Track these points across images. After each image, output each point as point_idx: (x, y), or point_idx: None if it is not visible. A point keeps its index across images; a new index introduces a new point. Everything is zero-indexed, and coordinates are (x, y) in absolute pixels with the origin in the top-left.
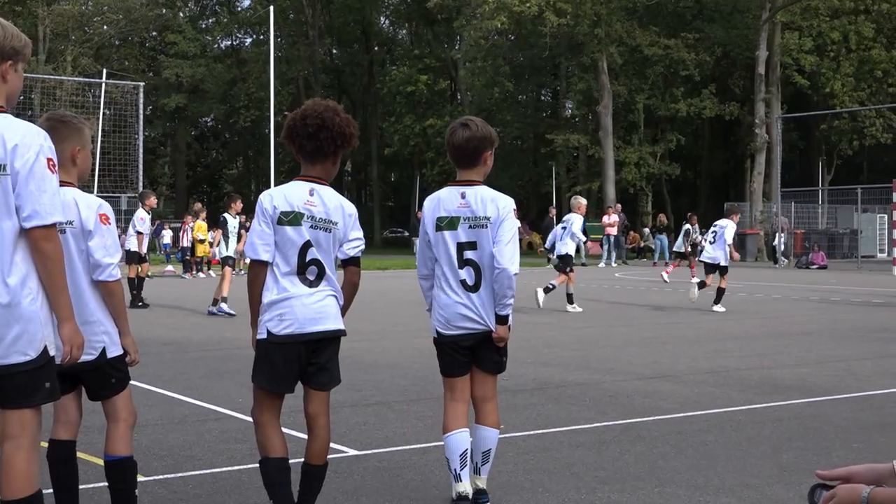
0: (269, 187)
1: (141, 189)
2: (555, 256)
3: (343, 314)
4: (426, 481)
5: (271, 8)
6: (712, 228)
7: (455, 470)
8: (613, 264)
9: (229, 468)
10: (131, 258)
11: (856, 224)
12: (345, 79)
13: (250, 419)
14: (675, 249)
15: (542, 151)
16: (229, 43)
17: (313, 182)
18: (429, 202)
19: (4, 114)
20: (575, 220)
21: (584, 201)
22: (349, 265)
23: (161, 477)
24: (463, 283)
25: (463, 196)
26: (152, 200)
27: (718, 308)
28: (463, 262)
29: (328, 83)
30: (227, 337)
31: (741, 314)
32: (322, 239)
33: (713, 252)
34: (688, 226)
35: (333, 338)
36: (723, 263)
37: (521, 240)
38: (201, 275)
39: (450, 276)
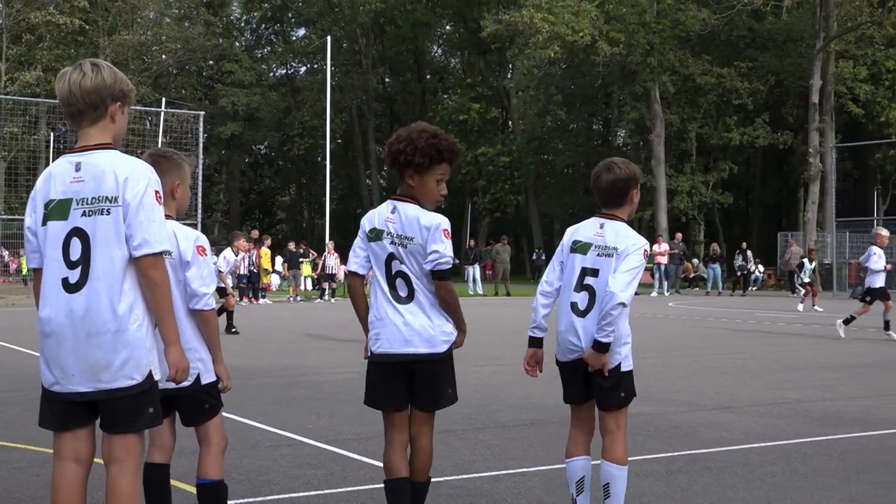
0: (322, 214)
1: (234, 231)
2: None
3: (459, 329)
4: None
5: (328, 38)
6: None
7: (571, 495)
8: (666, 293)
9: (306, 493)
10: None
11: None
12: (397, 107)
13: (322, 445)
14: (804, 281)
15: None
16: (284, 72)
17: (398, 200)
18: (569, 230)
19: (113, 150)
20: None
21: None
22: (435, 279)
23: (241, 501)
24: (573, 305)
25: (601, 227)
26: (241, 243)
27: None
28: (581, 287)
29: (381, 111)
30: (291, 364)
31: (799, 345)
32: (402, 254)
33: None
34: (805, 260)
35: (429, 360)
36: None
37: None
38: (266, 301)
39: (564, 298)
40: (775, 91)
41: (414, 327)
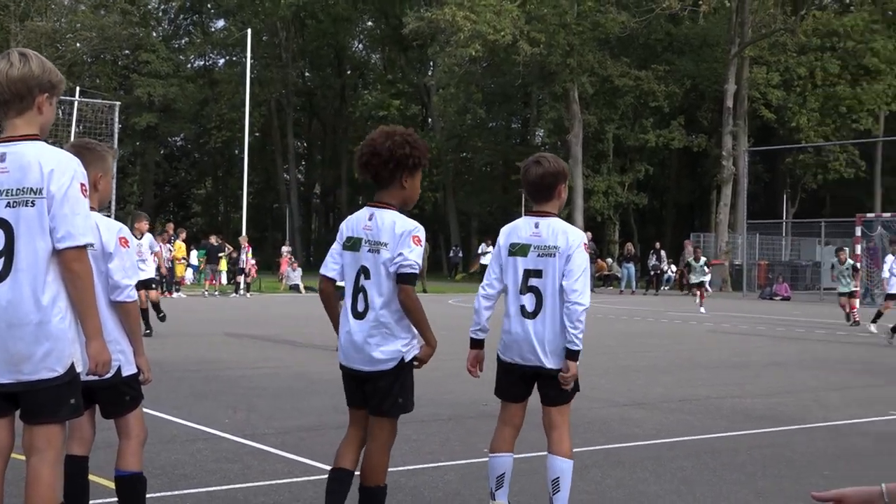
0: (238, 208)
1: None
2: None
3: (426, 340)
4: (417, 502)
5: (248, 31)
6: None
7: (491, 489)
8: None
9: (224, 487)
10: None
11: (818, 256)
12: (317, 102)
13: (239, 440)
14: (692, 281)
15: (511, 178)
16: (202, 63)
17: (375, 206)
18: (506, 229)
19: (40, 141)
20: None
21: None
22: (397, 283)
23: (158, 495)
24: (522, 308)
25: (536, 226)
26: (142, 224)
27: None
28: (526, 289)
29: (300, 106)
30: (207, 358)
31: (711, 344)
32: (373, 263)
33: None
34: (691, 259)
35: (373, 376)
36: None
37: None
38: (180, 295)
39: (511, 301)
40: (691, 95)
41: (359, 345)
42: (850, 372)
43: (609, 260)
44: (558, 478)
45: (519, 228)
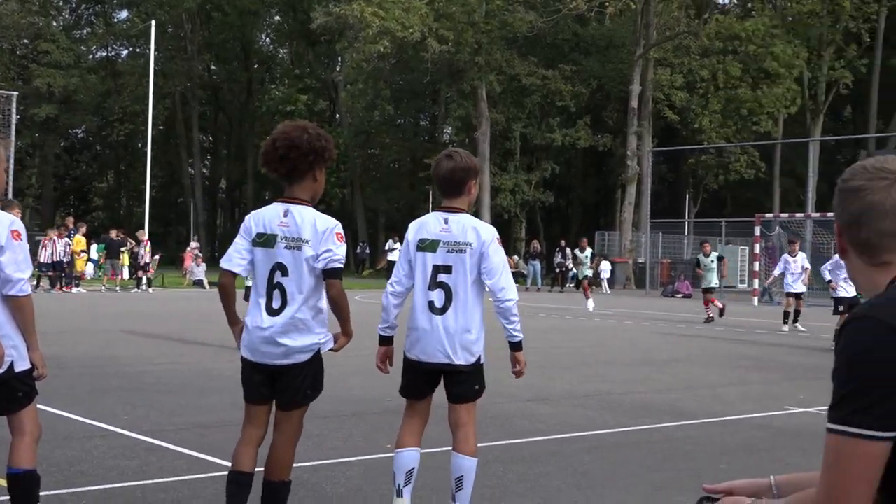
0: (141, 202)
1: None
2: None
3: (345, 331)
4: (319, 499)
5: (153, 23)
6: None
7: (398, 485)
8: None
9: (121, 484)
10: None
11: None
12: (223, 96)
13: (138, 436)
14: (585, 275)
15: (419, 175)
16: (104, 54)
17: (290, 202)
18: (414, 225)
19: None
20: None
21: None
22: (326, 279)
23: (54, 492)
24: (430, 304)
25: (446, 221)
26: (14, 212)
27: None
28: (435, 285)
29: (206, 99)
30: (105, 354)
31: (613, 341)
32: (292, 260)
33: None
34: (576, 251)
35: (286, 369)
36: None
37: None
38: (80, 290)
39: (419, 297)
40: (597, 95)
41: (275, 340)
42: (747, 368)
43: (515, 257)
44: (462, 476)
45: (428, 224)
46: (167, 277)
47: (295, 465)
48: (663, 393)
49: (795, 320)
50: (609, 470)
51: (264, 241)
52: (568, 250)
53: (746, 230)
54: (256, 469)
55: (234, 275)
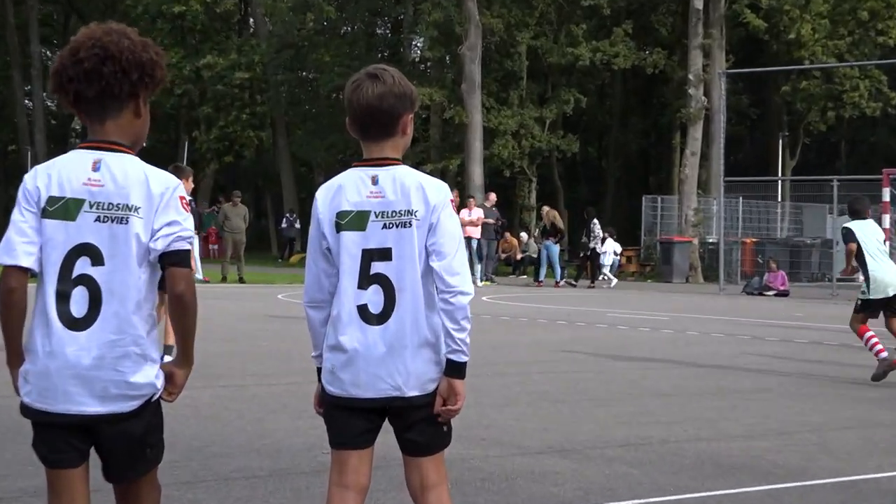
0: None
1: None
2: None
3: (184, 358)
4: None
5: None
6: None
7: None
8: (479, 283)
9: None
10: None
11: (829, 232)
12: None
13: None
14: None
15: None
16: None
17: (101, 149)
18: (324, 192)
19: None
20: None
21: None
22: (167, 267)
23: None
24: (362, 310)
25: (375, 181)
26: None
27: None
28: (368, 280)
29: None
30: None
31: (668, 361)
32: (108, 239)
33: None
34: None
35: (110, 419)
36: None
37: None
38: None
39: (345, 301)
40: None
41: (83, 373)
42: (873, 402)
43: (523, 235)
44: None
45: (346, 188)
46: None
47: None
48: (744, 440)
49: None
50: None
51: (60, 209)
52: (596, 225)
53: (870, 192)
54: None
55: (25, 273)
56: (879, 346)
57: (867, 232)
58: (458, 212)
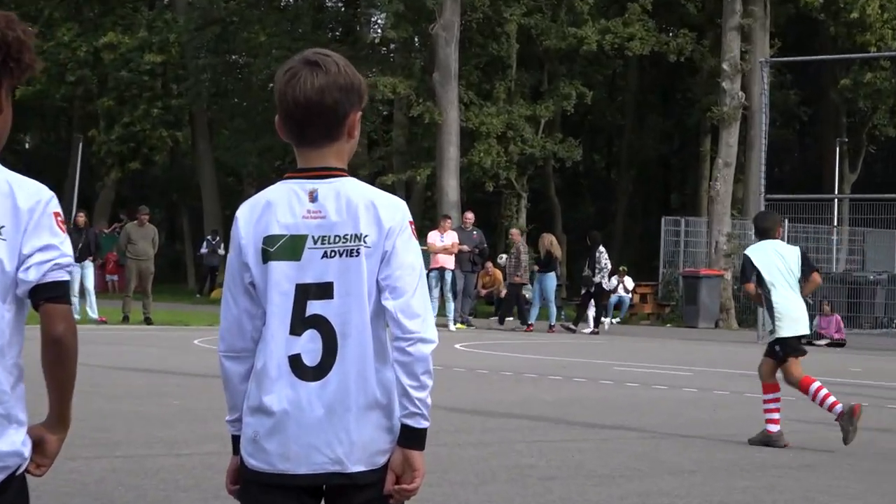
0: None
1: None
2: None
3: (59, 421)
4: None
5: None
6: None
7: None
8: (452, 326)
9: None
10: None
11: None
12: None
13: None
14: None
15: None
16: None
17: None
18: (248, 211)
19: None
20: None
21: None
22: (41, 303)
23: None
24: (295, 362)
25: (313, 197)
26: None
27: None
28: (303, 323)
29: None
30: None
31: (689, 429)
32: None
33: None
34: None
35: None
36: None
37: None
38: None
39: (274, 349)
40: None
41: None
42: None
43: (509, 259)
44: None
45: (276, 206)
46: None
47: None
48: None
49: None
50: None
51: None
52: (602, 253)
53: None
54: None
55: None
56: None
57: (769, 254)
58: (418, 237)
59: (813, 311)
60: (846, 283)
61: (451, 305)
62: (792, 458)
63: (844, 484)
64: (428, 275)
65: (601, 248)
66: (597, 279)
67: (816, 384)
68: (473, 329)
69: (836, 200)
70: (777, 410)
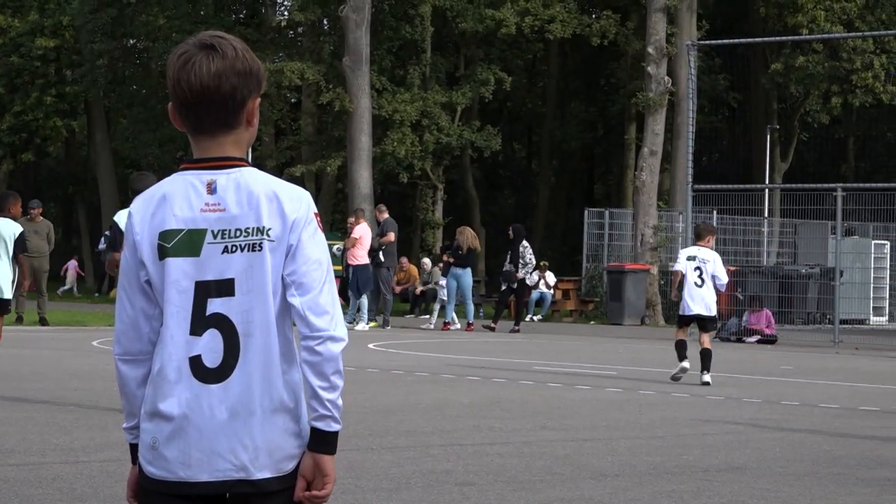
0: None
1: None
2: None
3: None
4: None
5: None
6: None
7: None
8: (365, 325)
9: None
10: None
11: (832, 259)
12: None
13: None
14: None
15: None
16: None
17: None
18: (142, 205)
19: None
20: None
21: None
22: None
23: None
24: (195, 364)
25: (212, 189)
26: None
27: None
28: (203, 323)
29: None
30: None
31: (613, 431)
32: None
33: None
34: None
35: None
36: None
37: None
38: None
39: (173, 351)
40: None
41: None
42: (882, 484)
43: (426, 261)
44: None
45: (173, 199)
46: None
47: None
48: None
49: None
50: None
51: None
52: (526, 247)
53: (885, 207)
54: None
55: None
56: None
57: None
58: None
59: (742, 306)
60: (777, 276)
61: (363, 303)
62: (721, 460)
63: (775, 488)
64: (347, 273)
65: (525, 243)
66: (521, 275)
67: None
68: (388, 329)
69: (766, 191)
70: None
